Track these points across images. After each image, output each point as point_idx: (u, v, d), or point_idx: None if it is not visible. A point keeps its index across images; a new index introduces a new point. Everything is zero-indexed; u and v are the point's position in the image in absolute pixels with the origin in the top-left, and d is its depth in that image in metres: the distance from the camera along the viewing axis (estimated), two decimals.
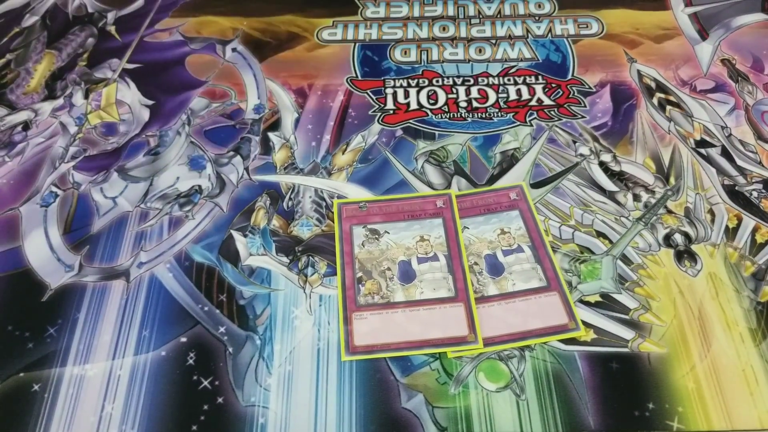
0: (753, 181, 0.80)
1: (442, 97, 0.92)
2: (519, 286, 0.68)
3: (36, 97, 0.96)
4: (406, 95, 0.92)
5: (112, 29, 1.06)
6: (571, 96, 0.91)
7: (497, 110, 0.89)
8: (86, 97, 0.94)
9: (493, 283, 0.68)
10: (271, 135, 0.88)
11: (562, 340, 0.66)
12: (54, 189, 0.83)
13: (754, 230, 0.75)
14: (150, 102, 0.94)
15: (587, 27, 1.01)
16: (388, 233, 0.72)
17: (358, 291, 0.68)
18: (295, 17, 1.04)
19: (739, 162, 0.83)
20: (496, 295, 0.67)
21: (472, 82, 0.94)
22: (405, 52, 0.99)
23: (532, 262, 0.69)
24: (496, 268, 0.69)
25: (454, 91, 0.92)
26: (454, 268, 0.69)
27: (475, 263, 0.70)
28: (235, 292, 0.71)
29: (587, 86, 0.92)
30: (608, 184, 0.80)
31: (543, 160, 0.83)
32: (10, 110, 0.94)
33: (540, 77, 0.94)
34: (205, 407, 0.63)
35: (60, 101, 0.94)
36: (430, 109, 0.90)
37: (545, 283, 0.68)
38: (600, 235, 0.75)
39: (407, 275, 0.69)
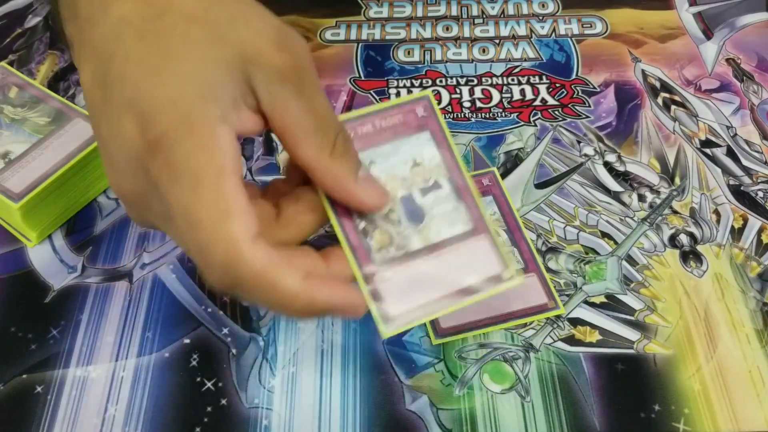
0: (759, 181, 0.80)
1: (445, 97, 0.91)
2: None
3: None
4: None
5: None
6: (575, 96, 0.91)
7: (501, 110, 0.89)
8: None
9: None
10: (274, 135, 0.88)
11: (567, 342, 0.66)
12: None
13: (760, 230, 0.75)
14: None
15: (591, 26, 1.01)
16: (375, 164, 0.54)
17: (368, 248, 0.53)
18: (297, 17, 1.04)
19: (745, 162, 0.82)
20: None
21: (475, 82, 0.93)
22: (408, 52, 0.98)
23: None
24: (415, 214, 0.54)
25: (458, 91, 0.92)
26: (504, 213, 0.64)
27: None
28: None
29: (591, 86, 0.92)
30: (613, 185, 0.80)
31: (547, 161, 0.83)
32: None
33: (544, 77, 0.93)
34: (209, 409, 0.62)
35: None
36: None
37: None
38: (605, 235, 0.75)
39: (415, 214, 0.54)
